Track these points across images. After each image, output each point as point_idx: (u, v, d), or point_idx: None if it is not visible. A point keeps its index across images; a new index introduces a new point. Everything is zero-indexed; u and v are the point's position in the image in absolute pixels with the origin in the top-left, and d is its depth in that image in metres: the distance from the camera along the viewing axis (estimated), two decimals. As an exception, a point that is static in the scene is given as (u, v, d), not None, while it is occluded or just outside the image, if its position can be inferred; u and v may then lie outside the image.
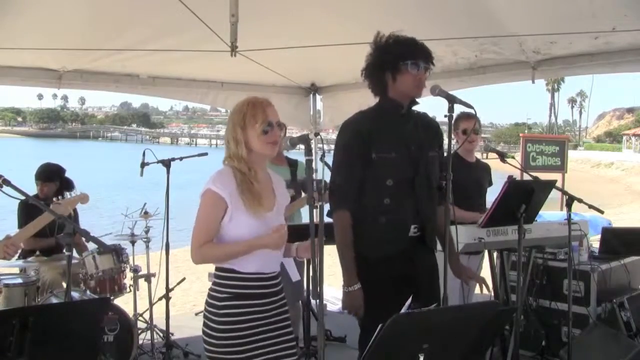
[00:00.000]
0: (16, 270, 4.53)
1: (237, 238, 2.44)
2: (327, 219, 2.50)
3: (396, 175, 2.77)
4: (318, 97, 6.62)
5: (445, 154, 2.95)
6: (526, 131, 66.85)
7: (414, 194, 2.80)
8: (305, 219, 4.25)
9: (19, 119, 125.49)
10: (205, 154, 4.92)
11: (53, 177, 4.89)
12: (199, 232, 2.44)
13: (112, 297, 4.42)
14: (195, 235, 2.44)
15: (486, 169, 4.43)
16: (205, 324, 2.49)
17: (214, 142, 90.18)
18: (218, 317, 2.44)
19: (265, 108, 2.47)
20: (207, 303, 2.50)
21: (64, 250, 4.51)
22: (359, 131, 2.81)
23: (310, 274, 2.13)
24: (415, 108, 2.92)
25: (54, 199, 3.32)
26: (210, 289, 2.51)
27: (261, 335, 2.47)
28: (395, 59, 2.76)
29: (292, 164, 4.38)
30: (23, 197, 3.15)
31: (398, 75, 2.77)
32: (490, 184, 4.41)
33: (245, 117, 2.45)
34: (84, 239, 3.93)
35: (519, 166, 4.11)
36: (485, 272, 4.21)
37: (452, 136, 3.09)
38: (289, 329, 2.58)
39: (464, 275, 3.01)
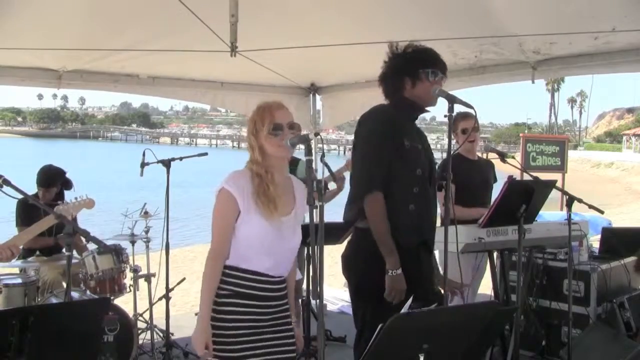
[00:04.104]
0: (16, 270, 4.53)
1: (250, 238, 2.45)
2: (327, 220, 2.50)
3: (423, 167, 2.86)
4: (318, 97, 6.62)
5: (443, 149, 3.01)
6: (526, 131, 66.80)
7: (431, 189, 2.91)
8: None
9: (19, 119, 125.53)
10: (205, 154, 4.92)
11: (54, 182, 4.90)
12: (216, 232, 2.47)
13: (112, 297, 4.42)
14: (213, 235, 2.48)
15: (490, 165, 4.44)
16: None
17: (214, 142, 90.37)
18: (215, 314, 2.44)
19: (272, 111, 2.48)
20: None
21: (64, 250, 4.52)
22: (389, 119, 2.87)
23: (310, 274, 2.13)
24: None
25: (59, 202, 3.31)
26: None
27: (256, 337, 2.46)
28: (416, 66, 2.86)
29: (294, 163, 4.39)
30: (23, 197, 3.16)
31: (418, 82, 2.86)
32: (495, 180, 4.42)
33: (255, 123, 2.49)
34: (84, 239, 3.92)
35: (519, 166, 4.10)
36: (486, 272, 4.22)
37: (452, 137, 3.11)
38: (288, 333, 2.57)
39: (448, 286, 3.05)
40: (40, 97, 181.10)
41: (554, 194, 3.90)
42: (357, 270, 2.90)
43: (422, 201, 2.84)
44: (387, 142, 2.80)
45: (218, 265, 2.45)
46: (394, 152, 2.79)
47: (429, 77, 2.84)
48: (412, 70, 2.86)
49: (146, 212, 5.09)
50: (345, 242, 3.12)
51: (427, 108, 2.94)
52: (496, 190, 3.79)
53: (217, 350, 2.42)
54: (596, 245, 4.92)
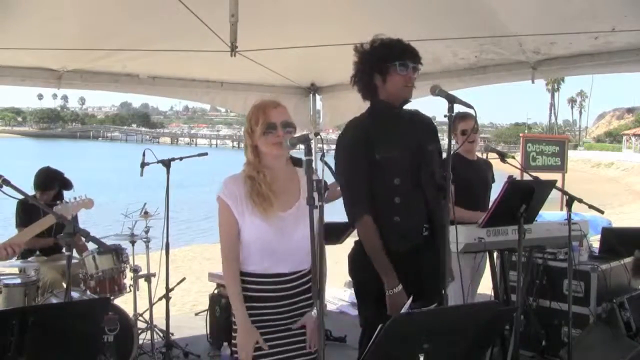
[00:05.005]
0: (16, 270, 4.53)
1: (249, 240, 2.47)
2: (327, 220, 2.48)
3: (402, 174, 2.78)
4: (318, 97, 6.62)
5: (443, 149, 2.96)
6: (526, 131, 66.76)
7: (421, 192, 2.82)
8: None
9: (19, 119, 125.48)
10: (205, 154, 4.92)
11: (52, 185, 4.89)
12: (221, 240, 2.52)
13: (112, 297, 4.42)
14: (220, 242, 2.53)
15: (488, 165, 4.44)
16: None
17: (213, 142, 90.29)
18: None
19: (266, 110, 2.47)
20: None
21: (64, 250, 4.52)
22: (358, 135, 2.80)
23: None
24: (409, 107, 2.93)
25: (57, 202, 3.31)
26: None
27: (270, 335, 2.47)
28: (384, 61, 2.77)
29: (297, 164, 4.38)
30: (23, 197, 3.16)
31: (388, 77, 2.78)
32: (493, 180, 4.42)
33: (250, 122, 2.50)
34: (84, 239, 3.92)
35: (519, 166, 4.11)
36: (486, 272, 4.21)
37: (452, 137, 3.09)
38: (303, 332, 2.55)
39: None
40: (40, 97, 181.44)
41: (554, 194, 3.90)
42: (357, 271, 2.90)
43: (408, 209, 2.78)
44: (360, 162, 2.75)
45: (230, 270, 2.48)
46: (369, 166, 2.74)
47: (398, 71, 2.74)
48: (379, 66, 2.77)
49: (146, 212, 5.09)
50: (347, 242, 3.12)
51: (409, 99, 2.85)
52: (495, 191, 3.79)
53: (234, 352, 2.46)
54: (596, 245, 4.91)
